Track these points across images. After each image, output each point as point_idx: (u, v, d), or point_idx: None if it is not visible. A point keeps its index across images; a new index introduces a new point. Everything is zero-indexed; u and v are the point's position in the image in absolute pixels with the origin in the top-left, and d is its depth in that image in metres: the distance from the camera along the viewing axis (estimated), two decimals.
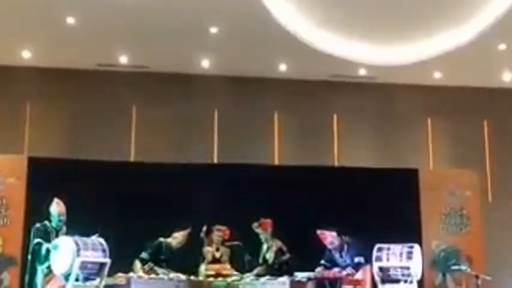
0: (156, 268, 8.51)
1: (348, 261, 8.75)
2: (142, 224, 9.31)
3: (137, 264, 8.65)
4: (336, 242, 8.86)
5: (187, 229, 8.86)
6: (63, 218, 8.23)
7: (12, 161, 9.80)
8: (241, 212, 9.24)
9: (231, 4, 8.91)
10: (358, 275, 8.64)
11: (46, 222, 8.26)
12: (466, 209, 10.42)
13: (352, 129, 11.30)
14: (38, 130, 10.60)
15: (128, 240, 8.88)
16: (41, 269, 7.93)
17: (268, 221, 9.05)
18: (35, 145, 10.46)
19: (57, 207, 8.27)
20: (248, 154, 10.74)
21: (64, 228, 8.24)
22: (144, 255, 8.62)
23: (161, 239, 8.86)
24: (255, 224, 9.04)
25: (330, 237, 8.88)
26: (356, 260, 8.67)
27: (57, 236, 8.08)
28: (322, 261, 8.85)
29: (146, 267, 8.47)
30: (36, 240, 8.05)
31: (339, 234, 8.95)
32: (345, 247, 8.86)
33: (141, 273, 8.49)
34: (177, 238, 8.87)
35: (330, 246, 8.88)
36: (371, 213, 9.84)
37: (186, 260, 8.77)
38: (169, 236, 8.89)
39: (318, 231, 8.89)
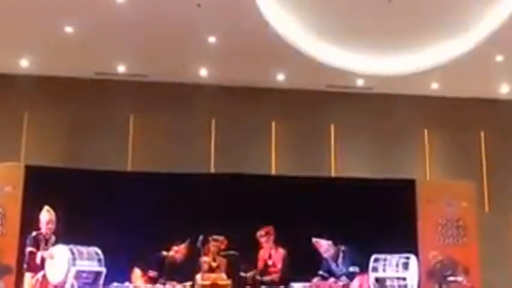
0: (168, 283, 8.50)
1: (344, 271, 8.77)
2: (139, 234, 9.29)
3: (137, 272, 8.65)
4: (331, 250, 8.90)
5: (186, 241, 8.86)
6: (51, 226, 8.21)
7: (9, 169, 9.76)
8: (237, 222, 9.22)
9: (229, 14, 8.94)
10: (355, 285, 8.65)
11: (42, 230, 8.26)
12: (463, 220, 10.40)
13: (349, 139, 11.30)
14: (35, 138, 10.59)
15: (124, 250, 8.85)
16: (36, 278, 7.91)
17: (271, 228, 9.16)
18: (32, 153, 10.44)
19: (45, 215, 8.26)
20: (245, 164, 10.74)
21: (53, 238, 8.20)
22: (152, 273, 8.60)
23: (164, 253, 8.85)
24: (259, 233, 9.11)
25: (325, 246, 8.91)
26: (351, 269, 8.69)
27: (46, 244, 8.07)
28: (320, 272, 8.88)
29: (159, 284, 8.45)
30: (29, 248, 8.04)
31: (335, 244, 8.98)
32: (341, 256, 8.88)
33: (139, 281, 8.49)
34: (179, 252, 8.86)
35: (325, 255, 8.91)
36: (368, 224, 9.81)
37: (182, 270, 8.75)
38: (168, 249, 8.88)
39: (313, 240, 8.94)
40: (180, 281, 8.50)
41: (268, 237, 9.19)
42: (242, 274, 8.86)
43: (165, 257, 8.84)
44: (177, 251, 8.88)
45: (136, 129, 10.92)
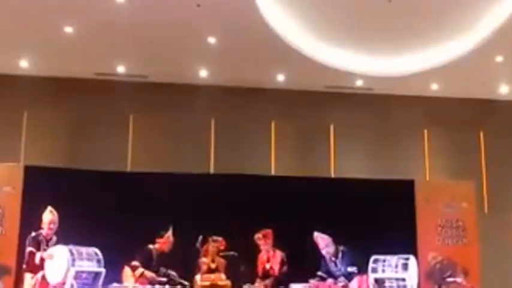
0: (146, 273, 8.51)
1: (343, 271, 8.78)
2: (139, 234, 9.27)
3: (127, 271, 8.65)
4: (332, 247, 8.88)
5: (169, 229, 8.88)
6: (54, 226, 8.22)
7: (9, 169, 9.77)
8: (237, 222, 9.21)
9: (230, 15, 8.94)
10: (354, 286, 8.65)
11: (41, 231, 8.27)
12: (462, 221, 10.40)
13: (348, 139, 11.30)
14: (35, 139, 10.58)
15: (124, 250, 8.84)
16: (35, 278, 7.92)
17: (270, 231, 9.12)
18: (32, 154, 10.45)
19: (48, 215, 8.27)
20: (245, 164, 10.74)
21: (54, 238, 8.21)
22: (134, 262, 8.62)
23: (150, 246, 8.86)
24: (257, 235, 9.08)
25: (325, 241, 8.90)
26: (349, 269, 8.68)
27: (47, 245, 8.07)
28: (319, 273, 8.87)
29: (137, 272, 8.46)
30: (30, 249, 8.05)
31: (335, 244, 8.98)
32: (340, 256, 8.88)
33: (131, 280, 8.50)
34: (166, 242, 8.87)
35: (324, 251, 8.89)
36: (367, 224, 9.81)
37: (181, 271, 8.75)
38: (153, 243, 8.89)
39: (315, 234, 8.94)
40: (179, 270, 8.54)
41: (266, 240, 9.14)
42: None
43: (151, 250, 8.85)
44: (164, 242, 8.86)
45: (136, 129, 10.92)
